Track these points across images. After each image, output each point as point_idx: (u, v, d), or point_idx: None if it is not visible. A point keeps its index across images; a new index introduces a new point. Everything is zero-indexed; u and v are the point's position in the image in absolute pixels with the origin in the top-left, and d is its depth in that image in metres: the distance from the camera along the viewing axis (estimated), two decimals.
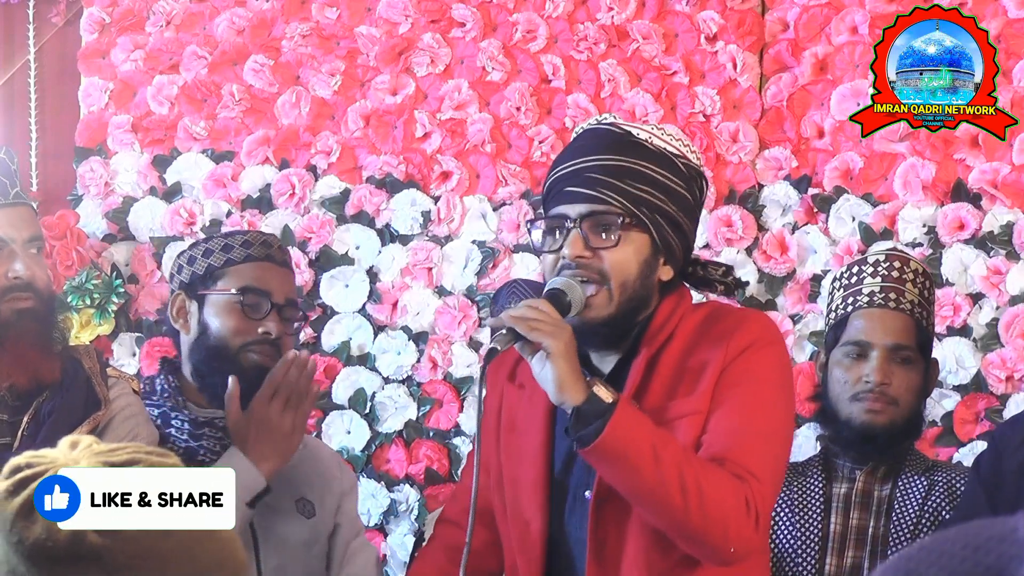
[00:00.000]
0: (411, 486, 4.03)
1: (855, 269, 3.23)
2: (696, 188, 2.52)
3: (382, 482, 4.04)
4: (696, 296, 2.65)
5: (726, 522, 2.33)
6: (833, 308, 3.26)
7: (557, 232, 2.48)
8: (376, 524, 4.05)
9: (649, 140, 2.49)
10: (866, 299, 3.17)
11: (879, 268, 3.19)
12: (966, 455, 3.79)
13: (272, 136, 4.19)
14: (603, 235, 2.45)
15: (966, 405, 3.84)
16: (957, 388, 3.84)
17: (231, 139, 4.21)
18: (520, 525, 2.56)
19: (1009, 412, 3.78)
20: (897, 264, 3.19)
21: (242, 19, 4.22)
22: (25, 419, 2.70)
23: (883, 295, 3.16)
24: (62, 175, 4.28)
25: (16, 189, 2.81)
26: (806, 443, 3.90)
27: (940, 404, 3.83)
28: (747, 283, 2.85)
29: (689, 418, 2.45)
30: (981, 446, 3.78)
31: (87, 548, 1.36)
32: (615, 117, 2.57)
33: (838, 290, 3.25)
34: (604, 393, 2.34)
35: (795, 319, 3.96)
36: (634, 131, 2.50)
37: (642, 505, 2.39)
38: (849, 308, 3.19)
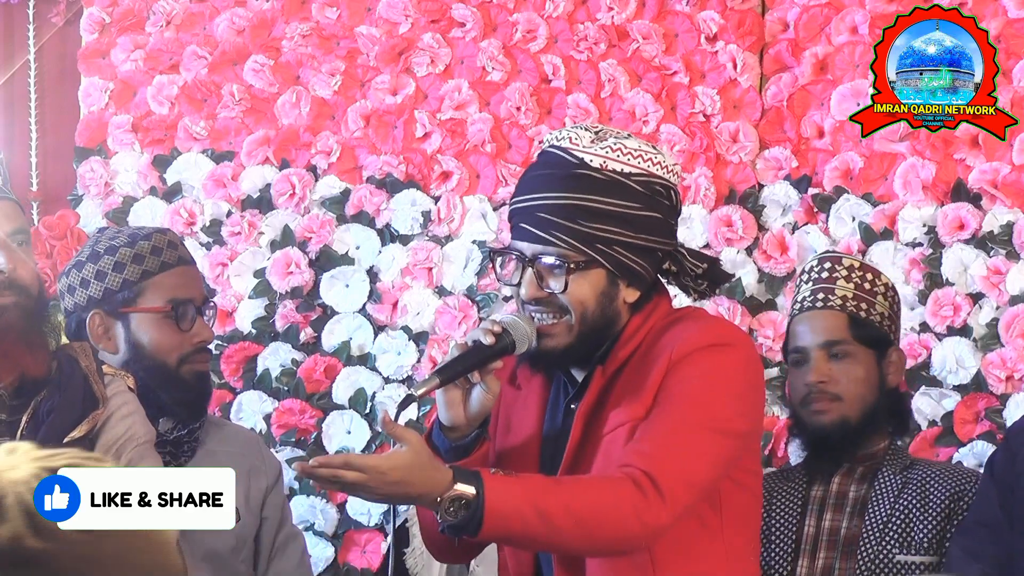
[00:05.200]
0: None
1: (796, 280, 3.30)
2: (662, 200, 2.50)
3: None
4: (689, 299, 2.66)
5: (621, 530, 2.36)
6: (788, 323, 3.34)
7: (516, 266, 2.50)
8: (376, 524, 4.05)
9: (604, 165, 2.46)
10: (799, 305, 3.26)
11: (812, 273, 3.27)
12: (966, 455, 3.79)
13: (272, 136, 4.19)
14: (555, 275, 2.46)
15: (966, 405, 3.83)
16: (957, 388, 3.84)
17: (231, 139, 4.21)
18: None
19: (1009, 412, 3.78)
20: (828, 265, 3.25)
21: (242, 19, 4.21)
22: (24, 418, 2.69)
23: (812, 297, 3.22)
24: (62, 175, 4.28)
25: (0, 183, 2.79)
26: None
27: (940, 404, 3.83)
28: (731, 276, 2.83)
29: (626, 426, 2.46)
30: (981, 446, 3.78)
31: (28, 553, 1.35)
32: (577, 134, 2.50)
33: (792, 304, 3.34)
34: (464, 486, 2.31)
35: None
36: (587, 157, 2.47)
37: (543, 550, 2.46)
38: (790, 318, 3.27)
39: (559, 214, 2.45)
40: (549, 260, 2.46)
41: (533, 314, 2.49)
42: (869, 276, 3.25)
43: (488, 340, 2.43)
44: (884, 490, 3.16)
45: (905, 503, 3.13)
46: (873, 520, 3.13)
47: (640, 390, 2.46)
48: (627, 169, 2.47)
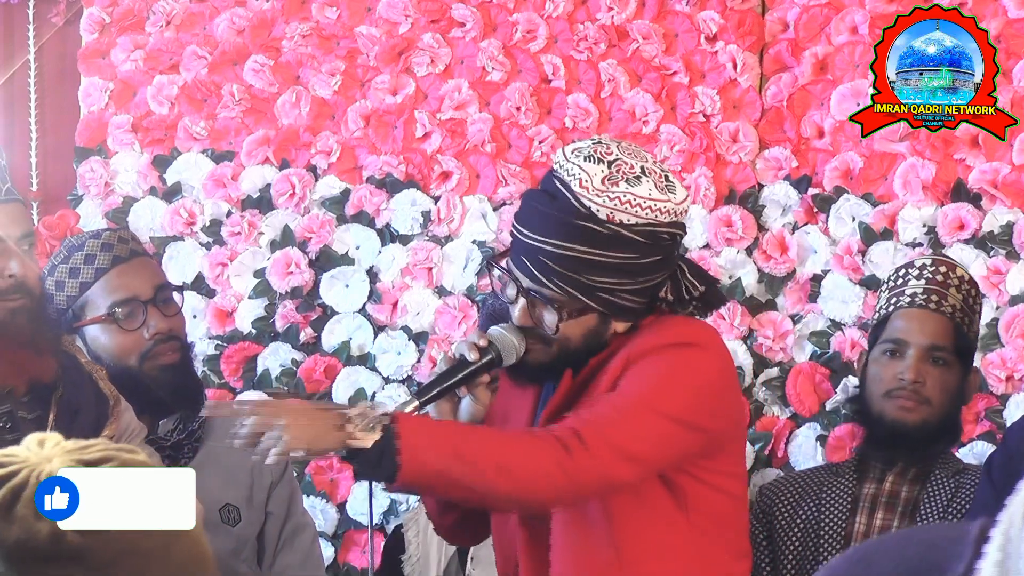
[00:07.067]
0: None
1: (901, 272, 3.28)
2: (664, 242, 2.48)
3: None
4: None
5: (544, 479, 2.34)
6: (878, 309, 3.30)
7: (513, 287, 2.50)
8: (376, 524, 4.05)
9: (610, 216, 2.43)
10: (908, 299, 3.22)
11: (924, 271, 3.24)
12: (966, 455, 3.78)
13: (272, 136, 4.19)
14: (549, 311, 2.47)
15: (966, 405, 3.83)
16: None
17: (231, 139, 4.21)
18: (501, 518, 2.60)
19: (1009, 412, 3.78)
20: (943, 269, 3.23)
21: (242, 19, 4.21)
22: (52, 417, 2.69)
23: (925, 296, 3.20)
24: (62, 175, 4.28)
25: (7, 185, 2.79)
26: (806, 443, 3.90)
27: None
28: (726, 301, 2.84)
29: None
30: (981, 446, 3.78)
31: (68, 547, 1.35)
32: (588, 175, 2.45)
33: (884, 292, 3.30)
34: (375, 421, 2.27)
35: (795, 319, 3.96)
36: (594, 207, 2.42)
37: (464, 500, 2.43)
38: (891, 308, 3.24)
39: (560, 263, 2.44)
40: (543, 299, 2.47)
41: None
42: (973, 292, 3.26)
43: (472, 356, 2.45)
44: (936, 493, 3.16)
45: (958, 507, 3.13)
46: (925, 522, 3.13)
47: (596, 391, 2.48)
48: (632, 220, 2.43)
